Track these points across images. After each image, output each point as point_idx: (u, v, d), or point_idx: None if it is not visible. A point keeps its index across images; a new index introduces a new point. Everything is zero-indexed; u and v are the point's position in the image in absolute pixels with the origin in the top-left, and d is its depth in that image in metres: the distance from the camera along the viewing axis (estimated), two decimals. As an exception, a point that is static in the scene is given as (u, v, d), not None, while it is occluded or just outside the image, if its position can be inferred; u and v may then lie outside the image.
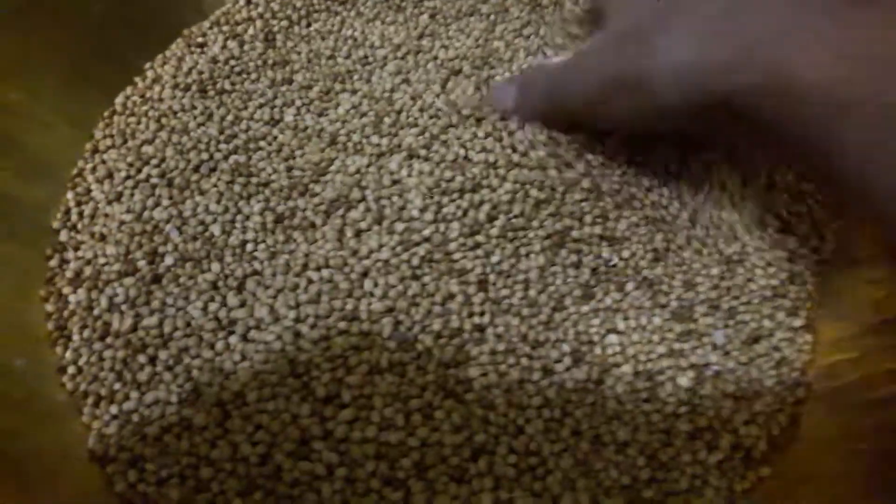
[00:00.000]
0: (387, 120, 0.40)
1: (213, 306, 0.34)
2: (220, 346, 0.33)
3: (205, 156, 0.38)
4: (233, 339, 0.33)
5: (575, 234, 0.35)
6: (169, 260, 0.35)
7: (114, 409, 0.32)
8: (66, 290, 0.35)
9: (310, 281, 0.34)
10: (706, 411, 0.32)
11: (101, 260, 0.35)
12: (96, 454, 0.31)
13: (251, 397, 0.31)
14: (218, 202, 0.37)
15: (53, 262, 0.36)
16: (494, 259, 0.34)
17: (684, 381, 0.33)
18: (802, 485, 0.30)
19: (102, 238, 0.36)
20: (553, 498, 0.30)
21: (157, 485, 0.30)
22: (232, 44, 0.44)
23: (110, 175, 0.38)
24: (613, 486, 0.31)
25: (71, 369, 0.33)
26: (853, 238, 0.37)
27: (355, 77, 0.42)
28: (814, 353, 0.34)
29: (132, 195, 0.37)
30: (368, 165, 0.38)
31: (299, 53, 0.44)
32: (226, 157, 0.38)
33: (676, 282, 0.35)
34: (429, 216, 0.35)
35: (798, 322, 0.34)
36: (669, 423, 0.32)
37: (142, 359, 0.33)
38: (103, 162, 0.39)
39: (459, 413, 0.31)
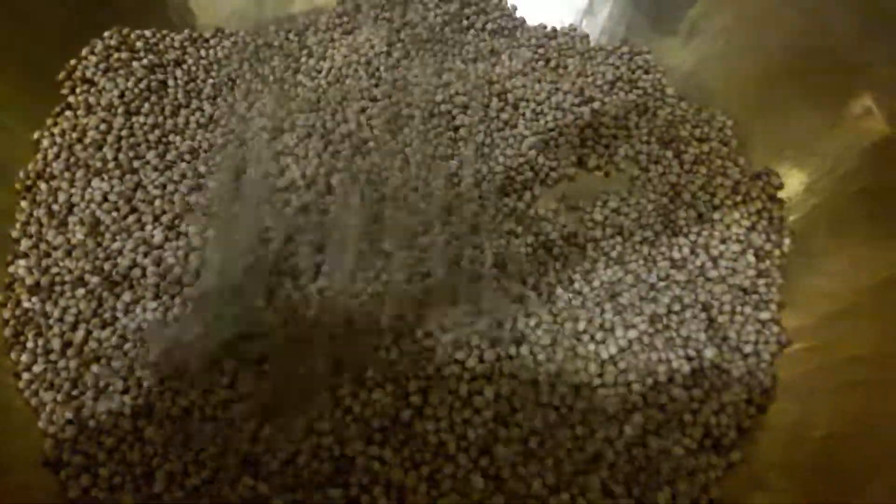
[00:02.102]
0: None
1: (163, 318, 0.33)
2: None
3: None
4: None
5: None
6: (122, 270, 0.34)
7: (69, 415, 0.31)
8: (23, 298, 0.35)
9: None
10: (676, 406, 0.32)
11: (55, 269, 0.35)
12: (50, 459, 0.30)
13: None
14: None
15: (12, 269, 0.35)
16: None
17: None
18: (771, 471, 0.31)
19: (56, 248, 0.36)
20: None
21: (109, 490, 0.30)
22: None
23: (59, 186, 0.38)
24: None
25: (26, 375, 0.33)
26: (810, 233, 0.37)
27: None
28: (779, 345, 0.34)
29: (86, 207, 0.37)
30: None
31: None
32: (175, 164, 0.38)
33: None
34: None
35: (766, 315, 0.35)
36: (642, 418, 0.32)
37: (95, 368, 0.32)
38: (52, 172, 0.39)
39: None
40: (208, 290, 0.32)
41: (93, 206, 0.37)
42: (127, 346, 0.33)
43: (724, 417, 0.32)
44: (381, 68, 0.42)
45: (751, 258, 0.36)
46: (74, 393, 0.32)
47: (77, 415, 0.31)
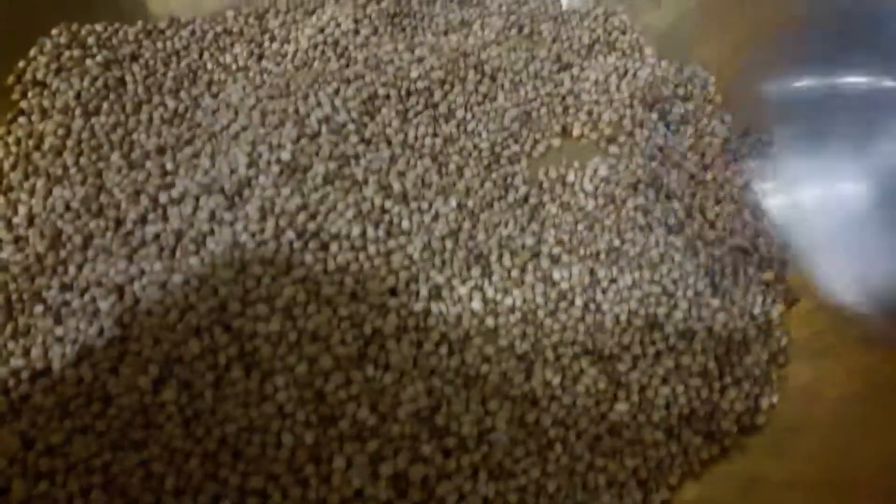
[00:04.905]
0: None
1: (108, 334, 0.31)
2: None
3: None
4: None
5: None
6: (77, 287, 0.33)
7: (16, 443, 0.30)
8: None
9: None
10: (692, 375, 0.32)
11: (12, 286, 0.33)
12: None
13: None
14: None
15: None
16: None
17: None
18: (791, 434, 0.30)
19: (16, 265, 0.34)
20: None
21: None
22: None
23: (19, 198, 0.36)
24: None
25: None
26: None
27: None
28: (787, 303, 0.34)
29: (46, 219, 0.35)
30: None
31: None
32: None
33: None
34: None
35: (769, 275, 0.34)
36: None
37: (43, 382, 0.31)
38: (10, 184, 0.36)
39: None
40: None
41: (53, 216, 0.35)
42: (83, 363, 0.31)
43: (746, 384, 0.31)
44: (350, 47, 0.41)
45: (748, 217, 0.35)
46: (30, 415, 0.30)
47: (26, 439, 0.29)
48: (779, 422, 0.31)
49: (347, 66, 0.40)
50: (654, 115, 0.38)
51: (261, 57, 0.43)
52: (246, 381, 0.29)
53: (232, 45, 0.44)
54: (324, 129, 0.36)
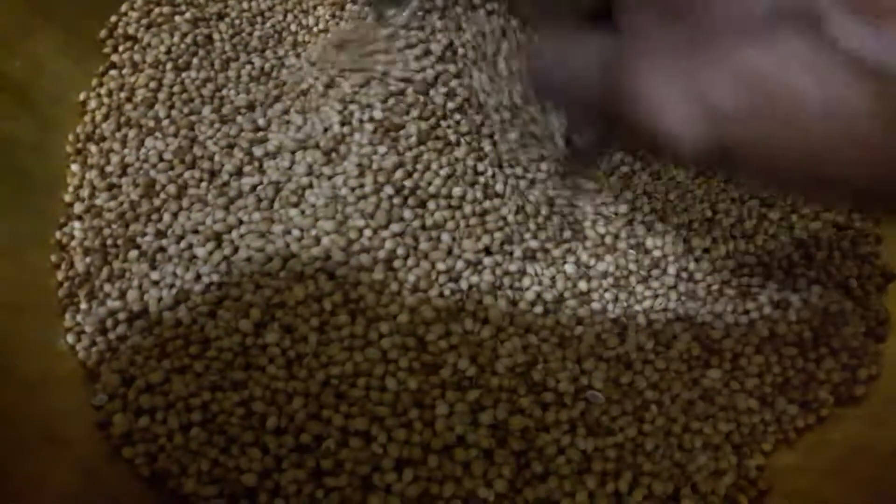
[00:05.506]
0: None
1: (206, 279, 0.32)
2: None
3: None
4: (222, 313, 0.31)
5: None
6: (173, 234, 0.33)
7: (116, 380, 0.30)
8: (76, 260, 0.33)
9: None
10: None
11: (107, 231, 0.34)
12: (102, 420, 0.30)
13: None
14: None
15: (67, 230, 0.34)
16: None
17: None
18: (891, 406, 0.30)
19: (110, 211, 0.34)
20: None
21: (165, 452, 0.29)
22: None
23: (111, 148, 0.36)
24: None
25: (73, 338, 0.32)
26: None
27: None
28: (883, 278, 0.34)
29: (139, 168, 0.35)
30: None
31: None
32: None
33: None
34: None
35: (865, 249, 0.34)
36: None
37: (140, 324, 0.31)
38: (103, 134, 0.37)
39: None
40: None
41: (146, 166, 0.35)
42: (181, 306, 0.31)
43: (844, 355, 0.32)
44: (433, 13, 0.41)
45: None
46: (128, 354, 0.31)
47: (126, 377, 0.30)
48: (881, 393, 0.31)
49: (432, 32, 0.40)
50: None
51: (341, 20, 0.43)
52: (351, 327, 0.30)
53: (315, 7, 0.44)
54: (409, 89, 0.36)
